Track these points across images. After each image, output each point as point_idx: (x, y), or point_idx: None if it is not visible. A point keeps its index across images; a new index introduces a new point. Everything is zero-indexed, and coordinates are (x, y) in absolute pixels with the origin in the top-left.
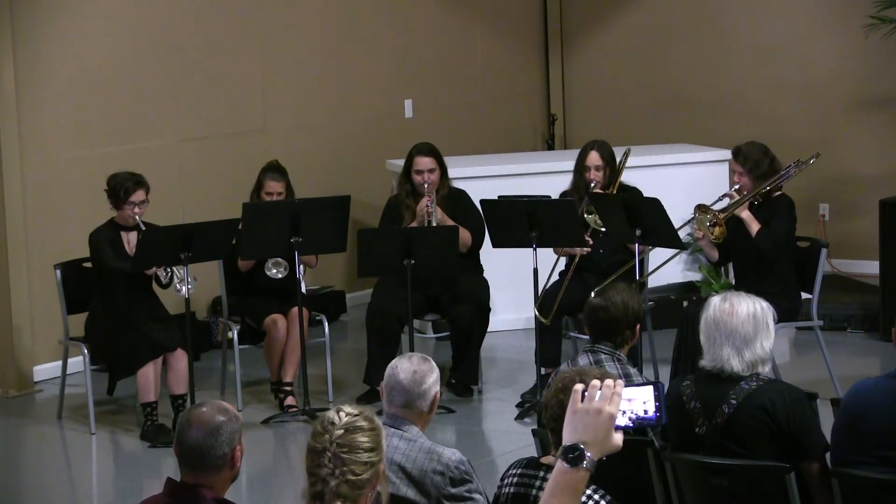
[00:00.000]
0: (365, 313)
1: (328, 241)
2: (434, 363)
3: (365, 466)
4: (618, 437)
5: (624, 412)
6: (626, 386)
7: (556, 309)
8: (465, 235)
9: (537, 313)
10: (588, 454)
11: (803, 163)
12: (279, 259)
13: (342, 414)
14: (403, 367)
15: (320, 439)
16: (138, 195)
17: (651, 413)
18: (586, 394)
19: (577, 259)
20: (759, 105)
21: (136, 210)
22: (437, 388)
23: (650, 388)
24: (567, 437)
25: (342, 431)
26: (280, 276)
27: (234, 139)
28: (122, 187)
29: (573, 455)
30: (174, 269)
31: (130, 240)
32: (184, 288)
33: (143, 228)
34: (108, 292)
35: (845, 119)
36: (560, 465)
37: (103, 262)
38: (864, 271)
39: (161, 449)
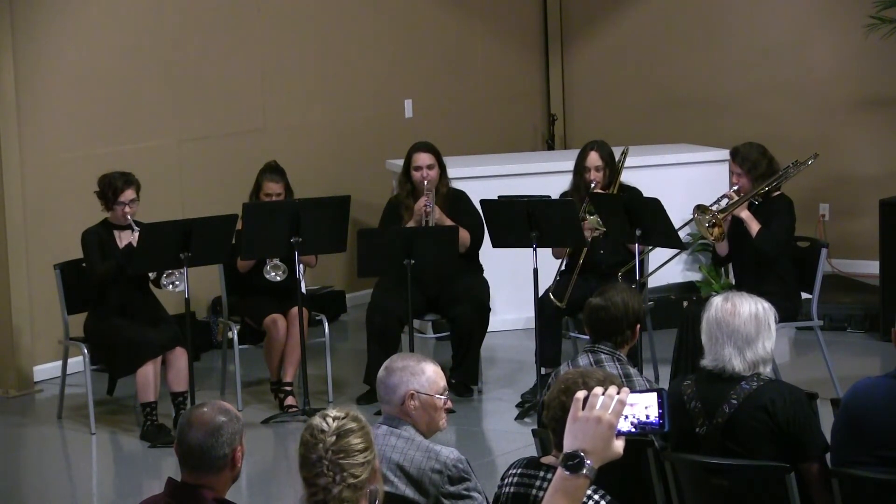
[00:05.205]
0: (365, 313)
1: (328, 241)
2: (424, 363)
3: (363, 467)
4: (618, 445)
5: (626, 417)
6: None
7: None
8: (463, 236)
9: (552, 296)
10: (588, 462)
11: (802, 163)
12: (278, 262)
13: (329, 420)
14: (384, 363)
15: (314, 449)
16: (128, 194)
17: (654, 419)
18: (587, 402)
19: (582, 257)
20: (758, 105)
21: (128, 209)
22: (414, 387)
23: (654, 395)
24: (567, 445)
25: (334, 438)
26: (279, 279)
27: (234, 139)
28: (111, 187)
29: (573, 462)
30: None
31: (123, 239)
32: (170, 286)
33: (136, 229)
34: (105, 292)
35: (845, 119)
36: (560, 471)
37: (89, 269)
38: (864, 271)
39: (161, 449)
